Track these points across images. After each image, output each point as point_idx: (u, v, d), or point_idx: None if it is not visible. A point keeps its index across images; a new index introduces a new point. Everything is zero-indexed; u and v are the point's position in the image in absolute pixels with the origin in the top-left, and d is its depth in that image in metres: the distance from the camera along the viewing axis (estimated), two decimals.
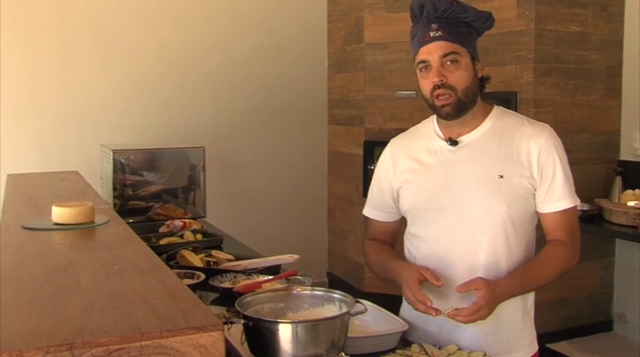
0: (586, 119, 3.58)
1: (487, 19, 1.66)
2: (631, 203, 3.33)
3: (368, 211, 1.87)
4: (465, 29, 1.62)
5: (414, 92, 3.84)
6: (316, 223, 4.75)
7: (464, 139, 1.68)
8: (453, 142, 1.68)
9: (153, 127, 4.18)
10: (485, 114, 1.70)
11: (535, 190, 1.65)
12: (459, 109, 1.62)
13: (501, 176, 1.62)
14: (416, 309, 1.56)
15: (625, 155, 3.65)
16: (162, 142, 3.47)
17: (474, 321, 1.51)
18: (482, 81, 1.68)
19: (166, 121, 4.23)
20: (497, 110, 1.72)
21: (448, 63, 1.60)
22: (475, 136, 1.68)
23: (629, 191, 3.42)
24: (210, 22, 4.37)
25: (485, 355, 1.51)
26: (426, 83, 1.63)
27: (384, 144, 1.86)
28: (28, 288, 1.05)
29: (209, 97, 4.39)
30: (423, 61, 1.63)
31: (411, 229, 1.78)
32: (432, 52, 1.60)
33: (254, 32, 4.48)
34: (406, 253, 1.80)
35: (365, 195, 4.10)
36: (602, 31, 3.59)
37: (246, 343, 1.37)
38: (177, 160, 3.11)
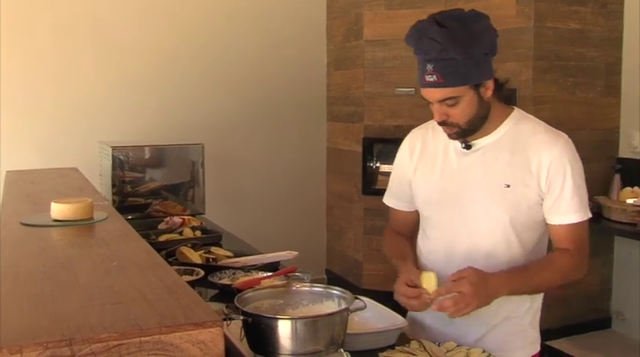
0: (585, 116, 3.58)
1: (492, 47, 1.55)
2: (630, 201, 3.33)
3: (388, 200, 1.88)
4: (464, 62, 1.50)
5: (414, 89, 3.83)
6: (315, 220, 4.75)
7: (478, 143, 1.66)
8: (467, 146, 1.67)
9: (150, 124, 4.17)
10: (503, 117, 1.66)
11: (542, 200, 1.63)
12: (465, 136, 1.63)
13: (508, 186, 1.61)
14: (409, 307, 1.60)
15: (624, 152, 3.65)
16: (160, 139, 3.47)
17: (463, 311, 1.47)
18: (501, 86, 1.64)
19: (164, 118, 4.22)
20: (516, 114, 1.68)
21: (449, 101, 1.55)
22: (489, 141, 1.66)
23: (628, 189, 3.42)
24: (208, 19, 4.36)
25: (483, 351, 1.51)
26: (433, 111, 1.62)
27: (383, 141, 1.87)
28: (28, 284, 1.05)
29: (207, 94, 4.38)
30: (424, 98, 1.61)
31: (421, 222, 1.81)
32: (430, 96, 1.57)
33: (253, 29, 4.47)
34: (418, 244, 1.82)
35: (364, 192, 4.15)
36: (601, 29, 3.59)
37: (245, 340, 1.37)
38: (176, 156, 3.10)
